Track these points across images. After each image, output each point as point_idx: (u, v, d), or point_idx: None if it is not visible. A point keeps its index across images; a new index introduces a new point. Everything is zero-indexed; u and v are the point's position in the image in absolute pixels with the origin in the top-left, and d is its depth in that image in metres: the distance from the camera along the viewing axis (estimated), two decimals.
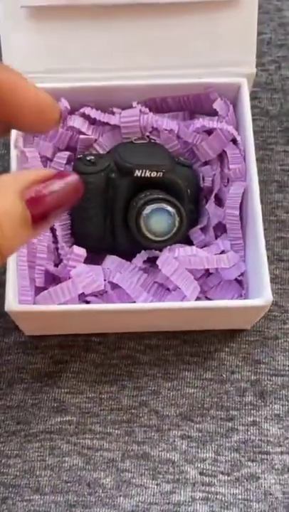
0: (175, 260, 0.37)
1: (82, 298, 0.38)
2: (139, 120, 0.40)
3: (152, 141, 0.40)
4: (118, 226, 0.38)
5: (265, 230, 0.46)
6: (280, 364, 0.41)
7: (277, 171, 0.47)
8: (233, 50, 0.39)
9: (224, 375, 0.41)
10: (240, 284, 0.39)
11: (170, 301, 0.38)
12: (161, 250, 0.38)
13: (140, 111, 0.40)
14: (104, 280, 0.39)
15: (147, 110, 0.40)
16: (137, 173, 0.37)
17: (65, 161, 0.40)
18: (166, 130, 0.40)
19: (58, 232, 0.39)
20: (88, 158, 0.38)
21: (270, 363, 0.41)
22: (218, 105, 0.40)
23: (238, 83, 0.40)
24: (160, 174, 0.37)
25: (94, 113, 0.41)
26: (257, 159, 0.48)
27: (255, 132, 0.49)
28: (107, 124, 0.41)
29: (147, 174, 0.37)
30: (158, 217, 0.37)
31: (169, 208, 0.37)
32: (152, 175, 0.37)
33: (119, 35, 0.40)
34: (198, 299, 0.39)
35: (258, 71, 0.52)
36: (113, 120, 0.41)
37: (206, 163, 0.41)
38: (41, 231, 0.27)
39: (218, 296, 0.39)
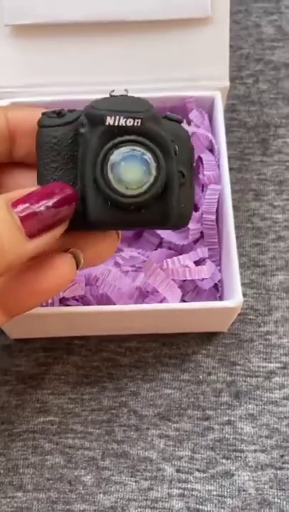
0: (162, 271, 0.38)
1: (64, 302, 0.40)
2: None
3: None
4: (88, 187, 0.30)
5: (241, 236, 0.48)
6: (255, 366, 0.43)
7: (254, 180, 0.49)
8: (208, 65, 0.41)
9: (201, 377, 0.43)
10: (216, 288, 0.41)
11: (148, 303, 0.40)
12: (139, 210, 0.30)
13: None
14: (86, 285, 0.40)
15: None
16: (109, 120, 0.30)
17: None
18: None
19: None
20: (54, 110, 0.32)
21: (245, 365, 0.43)
22: (193, 115, 0.42)
23: (213, 96, 0.42)
24: (138, 122, 0.29)
25: None
26: (234, 169, 0.51)
27: (233, 143, 0.52)
28: None
29: (122, 122, 0.30)
30: (129, 165, 0.29)
31: (144, 153, 0.29)
32: (128, 123, 0.29)
33: (99, 51, 0.41)
34: None
35: (236, 84, 0.54)
36: None
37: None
38: (42, 244, 0.29)
39: (194, 300, 0.41)
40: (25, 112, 0.34)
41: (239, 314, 0.44)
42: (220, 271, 0.41)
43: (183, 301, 0.41)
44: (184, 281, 0.41)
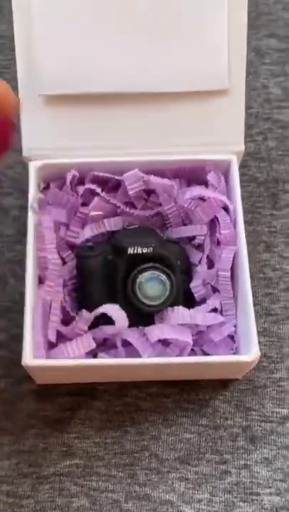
0: (174, 326, 0.42)
1: (91, 351, 0.43)
2: (141, 178, 0.45)
3: (142, 226, 0.46)
4: (119, 298, 0.42)
5: (254, 286, 0.51)
6: (269, 411, 0.45)
7: (265, 232, 0.52)
8: (225, 131, 0.45)
9: (218, 422, 0.45)
10: (232, 339, 0.44)
11: (169, 354, 0.42)
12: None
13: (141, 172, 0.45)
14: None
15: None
16: (130, 250, 0.42)
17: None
18: (165, 193, 0.45)
19: (68, 308, 0.44)
20: (87, 244, 0.45)
21: (259, 410, 0.45)
22: (211, 177, 0.45)
23: (229, 159, 0.45)
24: (150, 249, 0.42)
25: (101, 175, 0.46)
26: (246, 222, 0.54)
27: (244, 197, 0.55)
28: (113, 185, 0.46)
29: (139, 250, 0.42)
30: (151, 284, 0.42)
31: (161, 275, 0.42)
32: (144, 251, 0.42)
33: (124, 118, 0.45)
34: (193, 352, 0.43)
35: (246, 142, 0.57)
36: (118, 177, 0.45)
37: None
38: None
39: (212, 349, 0.43)
40: None
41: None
42: (235, 326, 0.43)
43: (201, 350, 0.44)
44: (201, 332, 0.44)
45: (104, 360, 0.41)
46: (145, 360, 0.41)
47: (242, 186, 0.54)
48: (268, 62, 0.59)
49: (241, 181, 0.55)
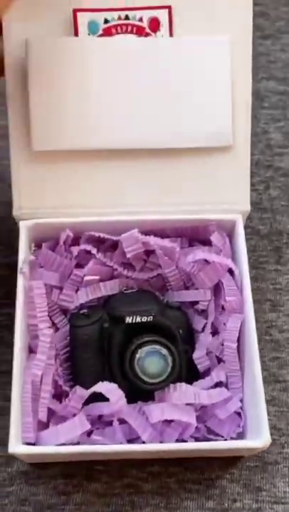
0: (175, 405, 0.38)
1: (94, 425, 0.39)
2: (140, 239, 0.41)
3: (141, 288, 0.42)
4: (116, 372, 0.39)
5: (261, 350, 0.47)
6: (281, 491, 0.42)
7: (270, 289, 0.49)
8: (230, 190, 0.42)
9: (226, 504, 0.41)
10: (239, 415, 0.40)
11: (171, 433, 0.39)
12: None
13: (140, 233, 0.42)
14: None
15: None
16: (128, 319, 0.39)
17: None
18: (165, 256, 0.42)
19: (61, 382, 0.40)
20: (82, 311, 0.41)
21: (270, 490, 0.42)
22: (215, 238, 0.42)
23: (234, 219, 0.42)
24: (150, 318, 0.39)
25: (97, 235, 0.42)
26: (250, 278, 0.50)
27: (247, 251, 0.51)
28: (110, 244, 0.43)
29: (138, 319, 0.39)
30: (151, 359, 0.38)
31: (162, 349, 0.38)
32: (143, 319, 0.39)
33: (123, 175, 0.42)
34: (197, 429, 0.40)
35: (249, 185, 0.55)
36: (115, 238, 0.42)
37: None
38: None
39: (217, 427, 0.40)
40: None
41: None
42: (241, 400, 0.40)
43: (204, 427, 0.40)
44: (205, 407, 0.40)
45: (98, 447, 0.37)
46: (144, 446, 0.37)
47: (245, 240, 0.52)
48: (267, 105, 0.57)
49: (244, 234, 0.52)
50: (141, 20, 0.40)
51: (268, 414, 0.44)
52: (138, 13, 0.40)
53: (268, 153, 0.55)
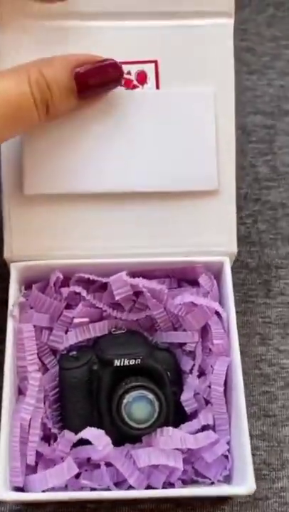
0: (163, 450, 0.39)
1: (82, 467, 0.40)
2: (128, 282, 0.42)
3: (130, 329, 0.43)
4: (104, 416, 0.39)
5: (250, 384, 0.48)
6: None
7: (259, 323, 0.50)
8: (216, 233, 0.43)
9: None
10: (226, 457, 0.41)
11: (158, 476, 0.39)
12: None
13: (128, 275, 0.43)
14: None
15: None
16: (117, 362, 0.39)
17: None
18: (153, 299, 0.43)
19: (50, 424, 0.41)
20: (71, 354, 0.41)
21: None
22: (203, 280, 0.43)
23: (221, 261, 0.43)
24: (138, 361, 0.39)
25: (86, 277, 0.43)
26: (239, 312, 0.51)
27: (236, 285, 0.52)
28: (99, 285, 0.44)
29: (126, 362, 0.39)
30: (138, 405, 0.39)
31: (149, 395, 0.39)
32: (131, 363, 0.39)
33: (111, 218, 0.43)
34: (184, 471, 0.40)
35: (236, 225, 0.55)
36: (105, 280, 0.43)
37: None
38: (85, 101, 0.40)
39: (204, 469, 0.40)
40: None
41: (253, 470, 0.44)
42: (228, 443, 0.41)
43: (192, 469, 0.41)
44: (191, 450, 0.40)
45: (85, 494, 0.38)
46: (130, 493, 0.38)
47: (233, 273, 0.52)
48: (254, 140, 0.58)
49: (232, 268, 0.52)
50: (129, 73, 0.42)
51: (258, 450, 0.45)
52: (126, 67, 0.42)
53: (255, 186, 0.56)
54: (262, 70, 0.60)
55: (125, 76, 0.42)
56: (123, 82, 0.42)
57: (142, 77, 0.42)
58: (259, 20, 0.61)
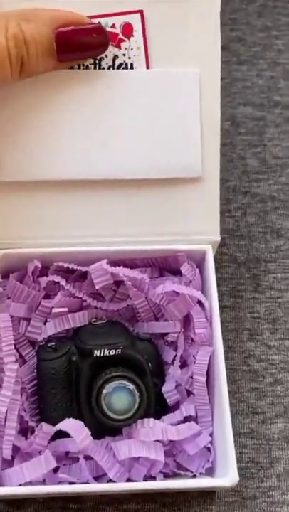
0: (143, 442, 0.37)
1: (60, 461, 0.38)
2: (108, 271, 0.41)
3: (110, 319, 0.41)
4: (84, 408, 0.38)
5: (238, 380, 0.46)
6: None
7: (248, 318, 0.48)
8: (199, 220, 0.41)
9: None
10: (209, 449, 0.39)
11: (139, 469, 0.37)
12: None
13: (108, 264, 0.41)
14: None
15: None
16: (96, 353, 0.38)
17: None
18: (134, 288, 0.41)
19: (27, 417, 0.39)
20: (49, 344, 0.39)
21: None
22: (185, 269, 0.41)
23: (204, 250, 0.41)
24: (118, 351, 0.38)
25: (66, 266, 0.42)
26: (228, 307, 0.50)
27: (224, 279, 0.51)
28: (79, 275, 0.42)
29: (106, 353, 0.38)
30: (118, 395, 0.37)
31: (129, 385, 0.37)
32: (111, 353, 0.38)
33: (93, 206, 0.41)
34: (166, 464, 0.38)
35: (225, 218, 0.54)
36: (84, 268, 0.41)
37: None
38: (64, 64, 0.38)
39: (186, 462, 0.38)
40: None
41: (240, 468, 0.42)
42: (211, 435, 0.39)
43: (174, 461, 0.39)
44: (172, 442, 0.39)
45: (63, 487, 0.36)
46: (110, 486, 0.36)
47: (222, 267, 0.51)
48: (243, 131, 0.56)
49: (221, 261, 0.51)
50: (114, 26, 0.39)
51: (246, 448, 0.43)
52: (110, 20, 0.39)
53: (244, 179, 0.54)
54: (252, 60, 0.59)
55: (110, 30, 0.39)
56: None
57: (127, 30, 0.39)
58: (249, 10, 0.60)
